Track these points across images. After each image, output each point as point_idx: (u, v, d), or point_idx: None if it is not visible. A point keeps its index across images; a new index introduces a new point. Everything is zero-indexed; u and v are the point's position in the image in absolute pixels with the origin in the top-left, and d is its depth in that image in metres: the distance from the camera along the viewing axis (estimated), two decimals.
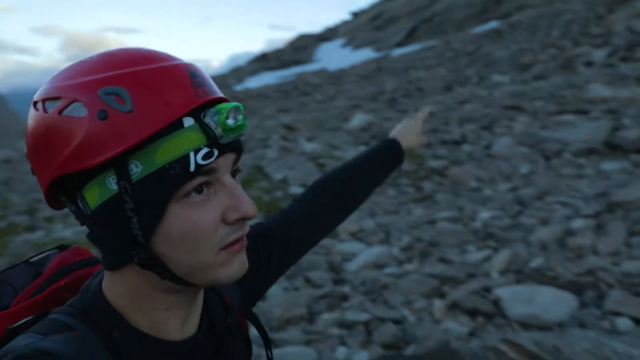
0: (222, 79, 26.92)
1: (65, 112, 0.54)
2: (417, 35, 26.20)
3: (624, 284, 2.80)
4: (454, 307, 2.84)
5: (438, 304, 2.89)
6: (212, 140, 0.55)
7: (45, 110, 0.56)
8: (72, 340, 0.56)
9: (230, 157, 0.58)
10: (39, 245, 5.25)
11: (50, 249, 0.76)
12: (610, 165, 5.23)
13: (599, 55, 10.29)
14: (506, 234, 3.89)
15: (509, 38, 15.68)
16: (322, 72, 20.60)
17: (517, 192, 4.94)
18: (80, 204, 0.57)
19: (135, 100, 0.53)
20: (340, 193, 0.97)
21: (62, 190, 0.58)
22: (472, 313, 2.77)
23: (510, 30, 16.74)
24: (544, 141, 6.31)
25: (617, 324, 2.45)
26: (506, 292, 2.85)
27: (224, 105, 0.56)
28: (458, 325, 2.66)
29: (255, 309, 0.83)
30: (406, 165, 6.05)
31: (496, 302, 2.81)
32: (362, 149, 7.32)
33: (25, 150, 0.59)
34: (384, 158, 1.07)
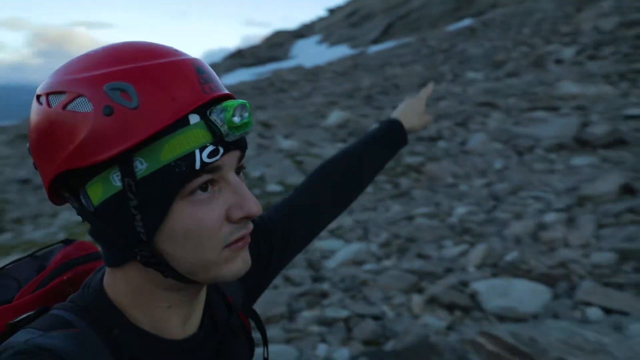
0: None
1: (70, 106, 0.53)
2: (392, 32, 26.43)
3: (594, 275, 2.89)
4: (432, 302, 2.89)
5: (416, 299, 2.93)
6: (217, 138, 0.54)
7: (49, 105, 0.54)
8: (71, 337, 0.55)
9: (235, 154, 0.58)
10: (6, 248, 5.07)
11: (55, 243, 0.76)
12: (579, 160, 5.39)
13: (568, 53, 10.57)
14: (482, 228, 3.97)
15: (482, 36, 15.98)
16: (298, 69, 20.54)
17: (491, 188, 5.04)
18: (83, 200, 0.56)
19: (141, 96, 0.51)
20: (341, 182, 0.94)
21: (65, 186, 0.57)
22: (450, 307, 2.82)
23: (483, 28, 17.06)
24: (516, 137, 6.46)
25: (588, 313, 2.53)
26: (483, 286, 2.91)
27: (230, 102, 0.55)
28: (436, 320, 2.70)
29: None
30: None
31: (473, 296, 2.87)
32: (340, 146, 7.35)
33: (28, 145, 0.58)
34: (386, 142, 1.02)
